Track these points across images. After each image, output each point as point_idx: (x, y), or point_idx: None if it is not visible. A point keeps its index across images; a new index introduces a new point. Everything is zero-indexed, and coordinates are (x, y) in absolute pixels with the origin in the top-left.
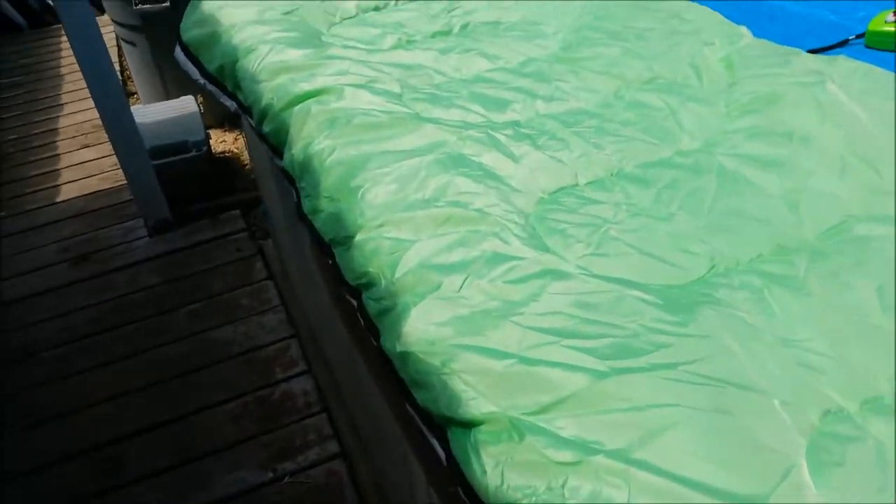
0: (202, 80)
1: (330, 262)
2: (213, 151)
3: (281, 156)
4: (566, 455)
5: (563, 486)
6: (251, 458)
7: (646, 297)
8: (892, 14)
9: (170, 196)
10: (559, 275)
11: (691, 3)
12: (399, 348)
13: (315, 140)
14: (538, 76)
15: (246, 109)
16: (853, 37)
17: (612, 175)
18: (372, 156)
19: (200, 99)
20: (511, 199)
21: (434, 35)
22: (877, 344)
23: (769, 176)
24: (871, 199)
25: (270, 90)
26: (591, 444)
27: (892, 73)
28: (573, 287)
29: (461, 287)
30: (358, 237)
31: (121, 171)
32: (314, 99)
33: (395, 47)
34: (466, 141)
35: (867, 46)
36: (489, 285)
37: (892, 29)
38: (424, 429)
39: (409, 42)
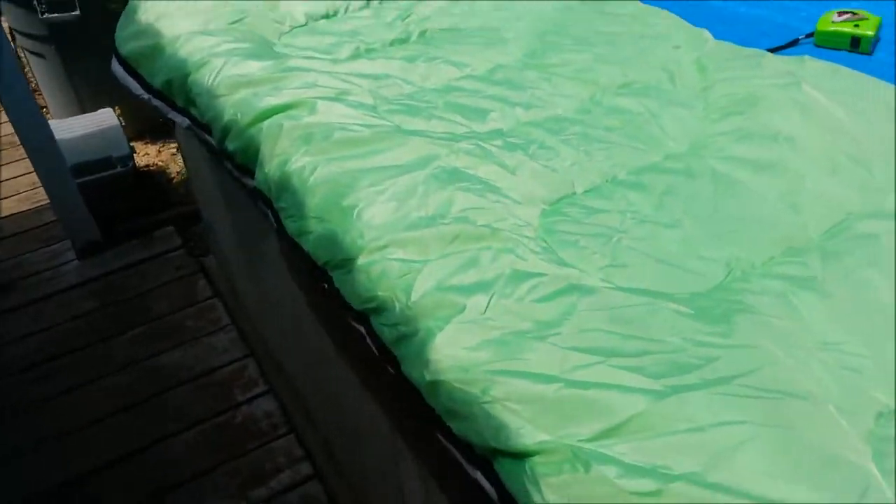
0: (145, 95)
1: (325, 286)
2: (137, 165)
3: (249, 174)
4: (641, 484)
5: None
6: (221, 488)
7: (678, 308)
8: (836, 14)
9: (97, 215)
10: (586, 290)
11: (651, 7)
12: (428, 377)
13: (292, 157)
14: (510, 83)
15: (202, 126)
16: (803, 36)
17: (608, 182)
18: (361, 173)
19: (118, 111)
20: (516, 213)
21: (393, 43)
22: None
23: (763, 178)
24: (867, 197)
25: (232, 105)
26: (662, 470)
27: (858, 73)
28: (603, 302)
29: (487, 308)
30: (360, 260)
31: (40, 190)
32: (284, 114)
33: (354, 56)
34: (459, 154)
35: (817, 45)
36: (516, 305)
37: (840, 28)
38: (464, 461)
39: (368, 51)
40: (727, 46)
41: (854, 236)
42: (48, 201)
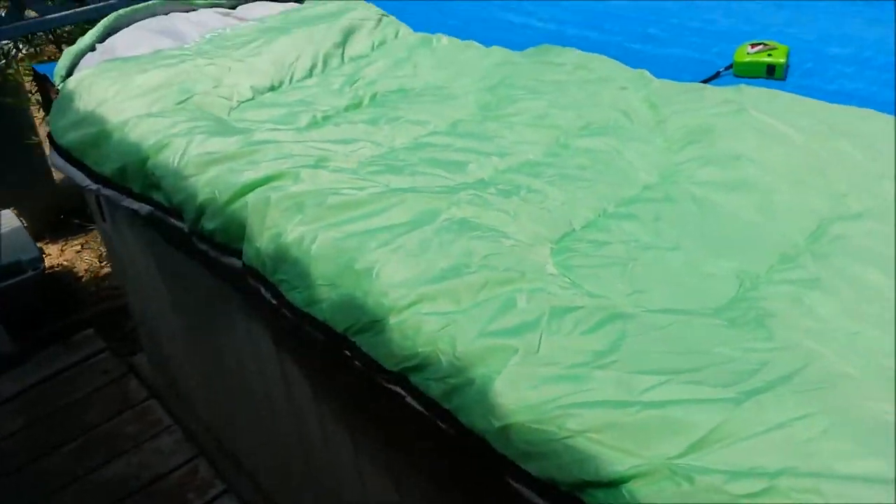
0: (93, 186)
1: (347, 352)
2: None
3: (232, 253)
4: (748, 486)
5: None
6: None
7: (712, 321)
8: (750, 46)
9: (7, 324)
10: (625, 316)
11: (589, 54)
12: (497, 423)
13: (286, 229)
14: (475, 136)
15: (168, 210)
16: (722, 69)
17: (600, 216)
18: (367, 234)
19: (14, 211)
20: (531, 255)
21: (347, 108)
22: None
23: (737, 197)
24: (832, 203)
25: (207, 183)
26: (760, 471)
27: (792, 94)
28: (644, 325)
29: (539, 347)
30: (391, 319)
31: None
32: (266, 186)
33: (313, 125)
34: (461, 205)
35: (736, 75)
36: (567, 340)
37: (756, 58)
38: (541, 500)
39: (325, 118)
40: (668, 83)
41: (832, 238)
42: None
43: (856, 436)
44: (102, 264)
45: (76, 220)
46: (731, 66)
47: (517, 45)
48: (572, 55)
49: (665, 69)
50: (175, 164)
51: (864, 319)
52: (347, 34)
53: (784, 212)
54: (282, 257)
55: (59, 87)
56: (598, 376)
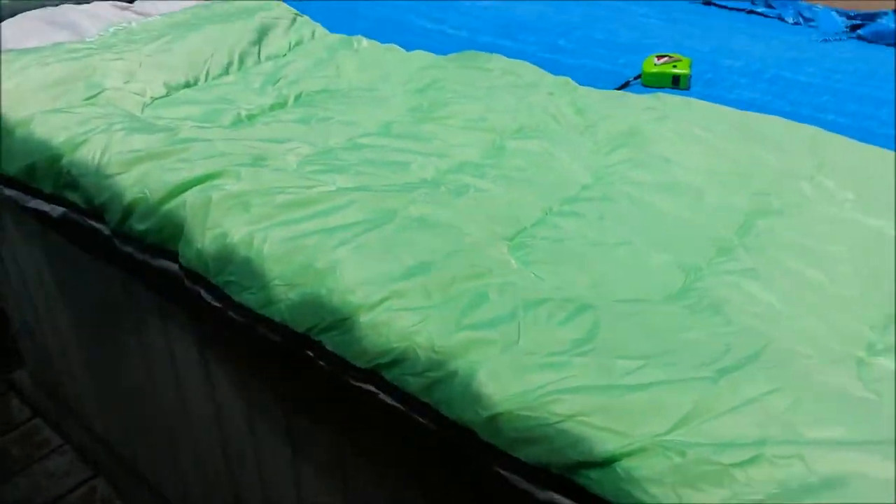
0: None
1: (310, 353)
2: None
3: (164, 255)
4: (737, 454)
5: (748, 483)
6: None
7: (671, 308)
8: (656, 58)
9: None
10: (593, 307)
11: (514, 60)
12: (485, 413)
13: (231, 228)
14: (412, 136)
15: (85, 211)
16: (632, 79)
17: (548, 215)
18: (324, 233)
19: None
20: (491, 251)
21: (273, 108)
22: (846, 305)
23: (669, 197)
24: (755, 199)
25: (135, 183)
26: (743, 440)
27: (705, 102)
28: (611, 313)
29: (518, 338)
30: (361, 317)
31: None
32: (205, 185)
33: (237, 123)
34: (417, 203)
35: (644, 85)
36: (544, 330)
37: (662, 69)
38: (532, 486)
39: (250, 117)
40: (591, 90)
41: (760, 233)
42: None
43: (821, 406)
44: None
45: None
46: (639, 76)
47: (432, 51)
48: (500, 61)
49: (578, 78)
50: (95, 163)
51: (801, 306)
52: (262, 32)
53: (713, 210)
54: (227, 258)
55: None
56: (579, 363)
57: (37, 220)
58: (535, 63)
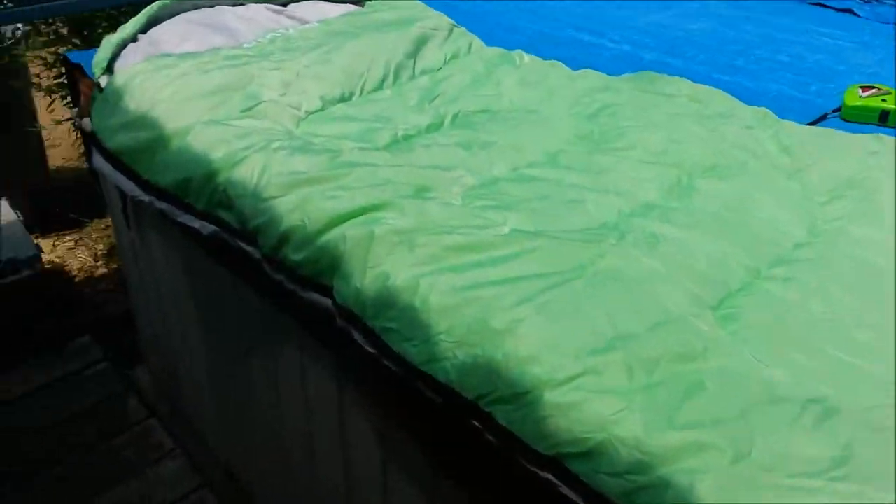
0: (145, 197)
1: (477, 423)
2: None
3: (317, 288)
4: None
5: None
6: None
7: None
8: (860, 89)
9: None
10: (837, 411)
11: (702, 86)
12: None
13: (394, 269)
14: (583, 169)
15: (237, 232)
16: (830, 111)
17: (756, 278)
18: (500, 285)
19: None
20: (699, 322)
21: (429, 128)
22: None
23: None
24: None
25: (293, 209)
26: None
27: None
28: (863, 423)
29: (752, 448)
30: (546, 393)
31: None
32: (366, 217)
33: (395, 144)
34: (605, 256)
35: (844, 119)
36: (786, 440)
37: (868, 103)
38: None
39: (406, 137)
40: (796, 125)
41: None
42: None
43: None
44: (98, 264)
45: (72, 215)
46: (838, 109)
47: (592, 67)
48: (684, 86)
49: (763, 105)
50: (253, 183)
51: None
52: (419, 44)
53: None
54: (388, 302)
55: (97, 81)
56: (838, 490)
57: (183, 234)
58: (708, 85)
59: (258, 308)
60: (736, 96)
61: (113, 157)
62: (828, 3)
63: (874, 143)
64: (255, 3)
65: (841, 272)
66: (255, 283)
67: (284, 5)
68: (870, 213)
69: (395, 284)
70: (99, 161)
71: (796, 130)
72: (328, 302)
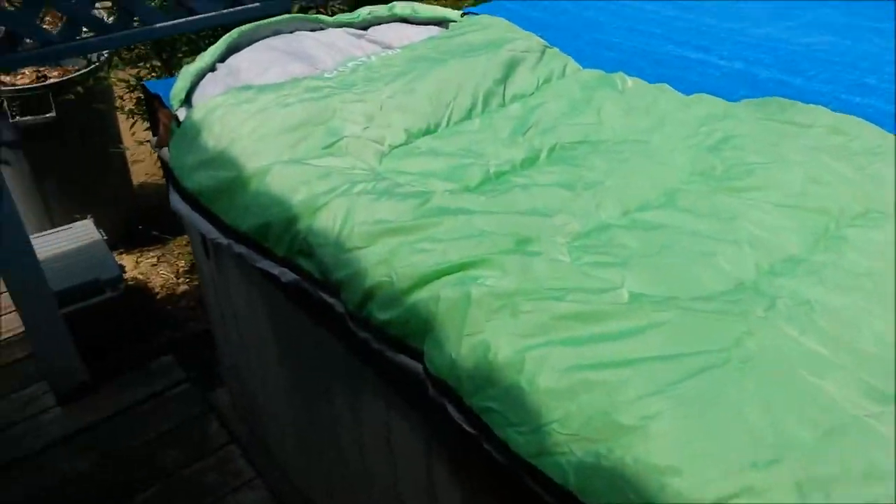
0: (224, 241)
1: None
2: None
3: (406, 350)
4: None
5: None
6: None
7: None
8: None
9: (81, 349)
10: None
11: (842, 115)
12: None
13: (496, 339)
14: (708, 214)
15: (320, 283)
16: None
17: None
18: (623, 366)
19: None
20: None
21: (523, 164)
22: None
23: None
24: None
25: (379, 262)
26: None
27: None
28: None
29: None
30: None
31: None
32: (461, 275)
33: (485, 183)
34: (753, 333)
35: None
36: None
37: None
38: None
39: (499, 175)
40: None
41: None
42: (12, 333)
43: None
44: (179, 280)
45: (154, 232)
46: None
47: (700, 89)
48: (822, 115)
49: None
50: (336, 232)
51: None
52: (509, 69)
53: None
54: (488, 377)
55: (175, 113)
56: None
57: (263, 276)
58: (835, 107)
59: (342, 355)
60: (872, 122)
61: (190, 197)
62: None
63: None
64: (335, 26)
65: None
66: (338, 334)
67: (365, 28)
68: None
69: (496, 358)
70: (176, 200)
71: None
72: (419, 367)
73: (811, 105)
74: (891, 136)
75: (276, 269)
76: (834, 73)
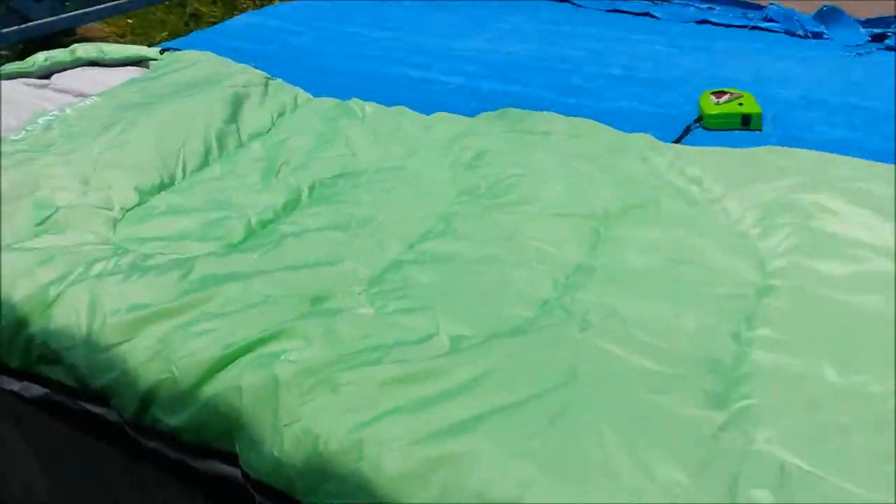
0: None
1: None
2: None
3: (210, 454)
4: None
5: None
6: None
7: None
8: (713, 95)
9: None
10: None
11: (575, 118)
12: None
13: (320, 425)
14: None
15: (79, 393)
16: (692, 122)
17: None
18: (471, 430)
19: None
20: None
21: (286, 208)
22: None
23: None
24: None
25: (151, 357)
26: None
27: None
28: None
29: None
30: None
31: None
32: (256, 353)
33: (253, 235)
34: (583, 359)
35: (707, 128)
36: None
37: (726, 109)
38: None
39: (264, 225)
40: (682, 148)
41: None
42: None
43: None
44: None
45: None
46: (699, 119)
47: (430, 105)
48: (557, 121)
49: (619, 125)
50: (83, 330)
51: None
52: (235, 105)
53: None
54: (324, 470)
55: None
56: None
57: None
58: (559, 111)
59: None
60: (589, 118)
61: None
62: (623, 9)
63: (782, 158)
64: (6, 79)
65: (815, 315)
66: (120, 447)
67: (47, 77)
68: (816, 243)
69: (328, 447)
70: None
71: (686, 153)
72: (236, 472)
73: (543, 112)
74: (618, 131)
75: (15, 385)
76: (546, 78)
